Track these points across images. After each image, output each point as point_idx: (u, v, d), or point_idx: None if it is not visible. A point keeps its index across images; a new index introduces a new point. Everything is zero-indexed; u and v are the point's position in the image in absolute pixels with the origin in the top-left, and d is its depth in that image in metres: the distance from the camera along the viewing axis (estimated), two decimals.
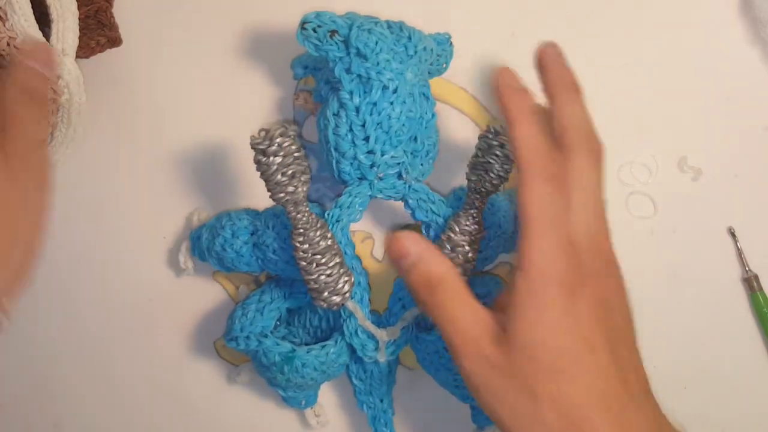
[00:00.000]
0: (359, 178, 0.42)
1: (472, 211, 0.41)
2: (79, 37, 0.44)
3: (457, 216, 0.41)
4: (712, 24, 0.49)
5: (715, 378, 0.49)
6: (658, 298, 0.49)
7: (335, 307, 0.41)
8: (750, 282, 0.48)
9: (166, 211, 0.49)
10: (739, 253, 0.49)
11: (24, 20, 0.41)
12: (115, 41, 0.48)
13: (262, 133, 0.37)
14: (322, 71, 0.44)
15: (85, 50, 0.47)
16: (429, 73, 0.44)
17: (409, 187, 0.43)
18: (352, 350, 0.43)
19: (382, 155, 0.41)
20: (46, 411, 0.50)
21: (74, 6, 0.44)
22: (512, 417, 0.33)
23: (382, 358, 0.43)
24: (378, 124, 0.40)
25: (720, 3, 0.49)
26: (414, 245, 0.37)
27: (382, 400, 0.46)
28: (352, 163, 0.42)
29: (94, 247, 0.50)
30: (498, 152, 0.39)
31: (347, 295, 0.41)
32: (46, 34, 0.43)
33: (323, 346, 0.43)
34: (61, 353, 0.50)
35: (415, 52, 0.42)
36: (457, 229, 0.41)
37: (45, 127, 0.36)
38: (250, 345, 0.42)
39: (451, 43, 0.45)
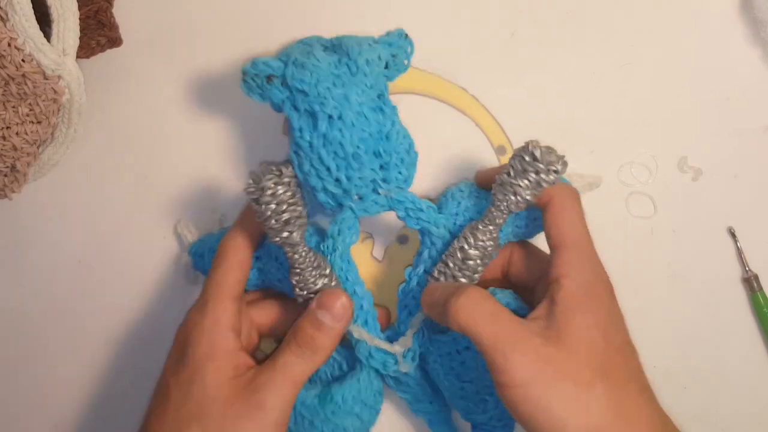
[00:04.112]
0: (340, 205, 0.42)
1: (491, 227, 0.40)
2: (80, 38, 0.44)
3: (474, 228, 0.40)
4: (712, 24, 0.49)
5: (715, 378, 0.49)
6: (658, 298, 0.49)
7: None
8: (750, 282, 0.48)
9: (165, 210, 0.49)
10: (739, 253, 0.49)
11: (25, 20, 0.41)
12: (115, 41, 0.48)
13: (253, 180, 0.38)
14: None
15: (85, 50, 0.47)
16: (387, 77, 0.42)
17: (392, 198, 0.42)
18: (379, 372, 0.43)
19: (349, 180, 0.41)
20: (46, 412, 0.50)
21: (75, 6, 0.44)
22: (563, 407, 0.35)
23: (405, 368, 0.42)
24: (334, 153, 0.40)
25: (720, 3, 0.49)
26: (443, 285, 0.40)
27: (431, 402, 0.45)
28: (326, 193, 0.41)
29: (94, 246, 0.50)
30: (532, 177, 0.38)
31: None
32: (47, 35, 0.43)
33: (352, 375, 0.42)
34: (59, 355, 0.50)
35: (358, 68, 0.40)
36: (473, 242, 0.40)
37: (309, 368, 0.40)
38: None
39: (406, 37, 0.43)
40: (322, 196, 0.41)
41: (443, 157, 0.48)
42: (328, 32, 0.44)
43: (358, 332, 0.42)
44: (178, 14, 0.50)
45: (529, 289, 0.43)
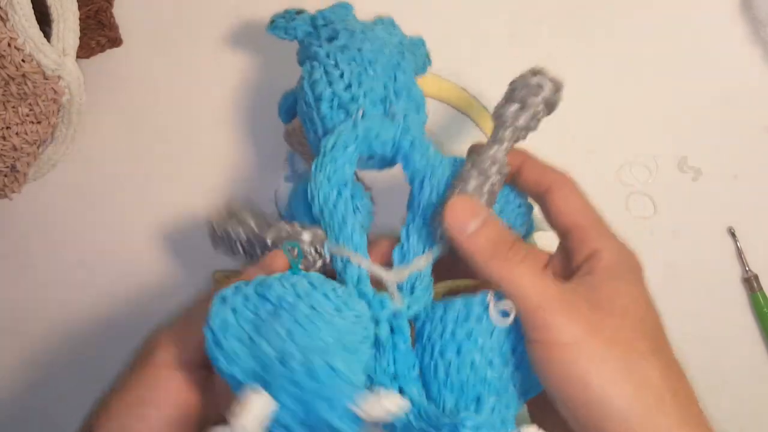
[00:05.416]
0: (342, 121, 0.38)
1: (504, 145, 0.36)
2: (80, 38, 0.44)
3: (485, 146, 0.37)
4: (712, 24, 0.49)
5: (715, 378, 0.49)
6: (658, 298, 0.48)
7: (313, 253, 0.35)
8: (750, 282, 0.48)
9: (166, 210, 0.49)
10: (739, 253, 0.49)
11: (25, 20, 0.41)
12: (115, 41, 0.48)
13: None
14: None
15: (85, 50, 0.47)
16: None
17: (401, 123, 0.38)
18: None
19: (360, 85, 0.38)
20: (47, 414, 0.50)
21: (75, 6, 0.44)
22: (618, 372, 0.32)
23: (399, 301, 0.34)
24: (351, 59, 0.38)
25: (720, 3, 0.49)
26: (479, 207, 0.35)
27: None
28: (332, 103, 0.38)
29: (94, 246, 0.50)
30: (540, 96, 0.36)
31: (317, 236, 0.35)
32: (47, 34, 0.43)
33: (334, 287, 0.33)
34: (60, 355, 0.50)
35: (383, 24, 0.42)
36: (485, 154, 0.36)
37: None
38: None
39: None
40: (325, 107, 0.38)
41: None
42: None
43: (338, 250, 0.34)
44: (178, 14, 0.50)
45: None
